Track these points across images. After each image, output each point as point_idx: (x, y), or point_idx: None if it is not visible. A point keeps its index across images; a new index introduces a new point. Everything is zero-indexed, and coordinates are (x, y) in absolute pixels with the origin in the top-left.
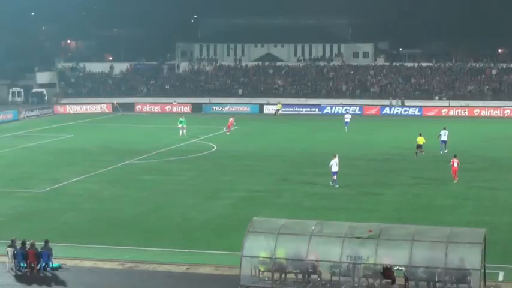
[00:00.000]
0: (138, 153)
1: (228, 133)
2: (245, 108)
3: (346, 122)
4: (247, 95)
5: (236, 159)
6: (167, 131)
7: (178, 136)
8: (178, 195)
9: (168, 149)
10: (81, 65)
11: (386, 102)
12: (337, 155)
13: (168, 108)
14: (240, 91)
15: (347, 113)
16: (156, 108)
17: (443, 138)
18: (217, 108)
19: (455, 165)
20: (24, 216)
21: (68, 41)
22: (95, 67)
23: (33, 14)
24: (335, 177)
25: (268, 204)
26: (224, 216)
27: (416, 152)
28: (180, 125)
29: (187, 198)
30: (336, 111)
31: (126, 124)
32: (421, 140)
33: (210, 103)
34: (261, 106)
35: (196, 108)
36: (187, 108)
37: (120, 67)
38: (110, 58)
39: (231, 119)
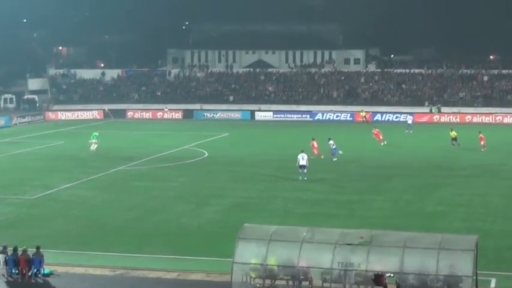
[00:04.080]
0: (130, 160)
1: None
2: (236, 115)
3: (409, 124)
4: (239, 102)
5: (227, 165)
6: (158, 138)
7: (156, 144)
8: (170, 201)
9: (160, 156)
10: (73, 71)
11: (378, 108)
12: (303, 151)
13: (159, 114)
14: (231, 97)
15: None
16: (148, 115)
17: None
18: (208, 114)
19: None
20: (15, 223)
21: (60, 48)
22: (87, 74)
23: (24, 20)
24: (303, 170)
25: (260, 210)
26: (215, 222)
27: (453, 144)
28: (93, 140)
29: (178, 204)
30: (327, 118)
31: (117, 130)
32: (453, 134)
33: (201, 109)
34: (252, 112)
35: (188, 114)
36: (178, 115)
37: (112, 74)
38: (102, 65)
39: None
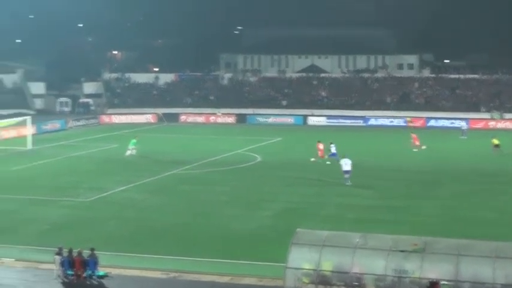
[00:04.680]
0: (182, 164)
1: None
2: (289, 120)
3: (463, 130)
4: (291, 106)
5: (280, 170)
6: (211, 142)
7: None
8: (221, 205)
9: (212, 160)
10: (127, 75)
11: (432, 114)
12: (346, 156)
13: (212, 118)
14: (284, 102)
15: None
16: (201, 119)
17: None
18: (261, 119)
19: None
20: (70, 225)
21: (114, 52)
22: (140, 78)
23: (80, 25)
24: (347, 175)
25: (311, 215)
26: (267, 227)
27: (495, 150)
28: (130, 147)
29: (229, 208)
30: (380, 123)
31: (170, 134)
32: (495, 141)
33: (254, 114)
34: (305, 117)
35: (241, 119)
36: (231, 119)
37: (165, 78)
38: (155, 69)
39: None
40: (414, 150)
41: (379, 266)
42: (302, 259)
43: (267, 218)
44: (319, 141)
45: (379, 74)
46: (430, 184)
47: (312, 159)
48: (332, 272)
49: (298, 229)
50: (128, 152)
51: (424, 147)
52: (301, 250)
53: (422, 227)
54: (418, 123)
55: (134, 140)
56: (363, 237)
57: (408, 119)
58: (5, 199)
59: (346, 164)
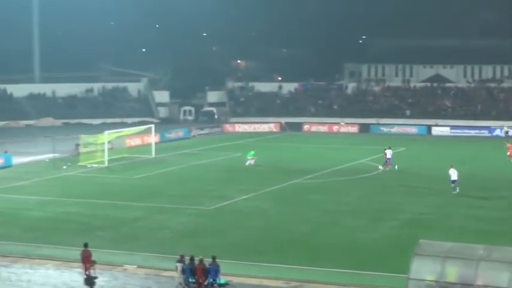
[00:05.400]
0: (305, 173)
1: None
2: (413, 130)
3: None
4: (415, 116)
5: (403, 180)
6: (334, 151)
7: (332, 157)
8: (344, 215)
9: (335, 169)
10: (250, 84)
11: None
12: (453, 166)
13: (335, 128)
14: (408, 112)
15: None
16: (324, 128)
17: None
18: (384, 129)
19: None
20: (193, 232)
21: (238, 61)
22: (264, 87)
23: (204, 34)
24: (453, 184)
25: (435, 226)
26: (389, 237)
27: None
28: (249, 157)
29: (352, 218)
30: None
31: (293, 144)
32: None
33: (377, 124)
34: (429, 127)
35: (364, 128)
36: (354, 129)
37: (289, 87)
38: (279, 78)
39: None
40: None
41: (504, 278)
42: (425, 270)
43: (391, 228)
44: (387, 148)
45: (506, 84)
46: None
47: (380, 167)
48: (455, 283)
49: (421, 240)
50: (248, 162)
51: None
52: (424, 261)
53: None
54: None
55: (252, 152)
56: (487, 249)
57: (505, 128)
58: (129, 206)
59: (453, 174)
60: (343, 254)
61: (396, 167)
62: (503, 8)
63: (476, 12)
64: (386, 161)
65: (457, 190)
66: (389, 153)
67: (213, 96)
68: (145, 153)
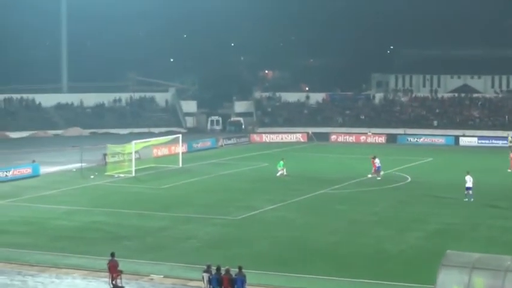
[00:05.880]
0: (332, 183)
1: None
2: (440, 140)
3: None
4: (443, 127)
5: (430, 190)
6: (361, 162)
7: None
8: (371, 225)
9: (362, 180)
10: (278, 94)
11: None
12: (469, 173)
13: (362, 138)
14: (435, 122)
15: None
16: (351, 139)
17: None
18: (412, 139)
19: None
20: (219, 242)
21: (266, 71)
22: (291, 97)
23: (232, 44)
24: (469, 192)
25: (462, 237)
26: (416, 248)
27: None
28: (279, 168)
29: (379, 229)
30: None
31: (320, 154)
32: None
33: (404, 134)
34: (457, 138)
35: (391, 138)
36: (381, 139)
37: (316, 97)
38: (306, 88)
39: None
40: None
41: None
42: (451, 281)
43: (418, 239)
44: (374, 157)
45: None
46: None
47: (369, 175)
48: None
49: (448, 250)
50: (279, 173)
51: None
52: (451, 272)
53: None
54: None
55: (282, 162)
56: None
57: (510, 137)
58: (155, 216)
59: (469, 181)
60: (370, 265)
61: (381, 173)
62: None
63: (503, 22)
64: (376, 169)
65: (472, 199)
66: (377, 161)
67: (240, 106)
68: (172, 163)
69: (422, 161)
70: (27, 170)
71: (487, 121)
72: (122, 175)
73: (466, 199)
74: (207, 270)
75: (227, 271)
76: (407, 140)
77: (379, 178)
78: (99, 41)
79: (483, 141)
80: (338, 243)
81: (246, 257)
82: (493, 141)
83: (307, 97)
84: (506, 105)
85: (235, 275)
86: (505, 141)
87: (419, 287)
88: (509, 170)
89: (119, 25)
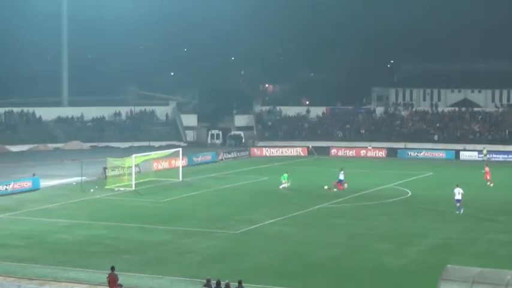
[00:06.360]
0: (332, 197)
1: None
2: (441, 154)
3: None
4: (443, 141)
5: (430, 205)
6: (361, 176)
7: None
8: (371, 240)
9: (362, 194)
10: (278, 108)
11: None
12: (459, 185)
13: (362, 152)
14: (436, 136)
15: None
16: (351, 153)
17: None
18: (412, 153)
19: None
20: (220, 256)
21: (266, 85)
22: (291, 111)
23: (232, 58)
24: (458, 204)
25: (462, 251)
26: (417, 262)
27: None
28: (283, 181)
29: (379, 243)
30: None
31: (320, 168)
32: None
33: (405, 148)
34: (457, 152)
35: (391, 153)
36: (382, 153)
37: (316, 111)
38: (307, 102)
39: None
40: (491, 185)
41: None
42: None
43: (418, 253)
44: (341, 169)
45: None
46: None
47: (326, 187)
48: None
49: (448, 265)
50: (282, 186)
51: (492, 184)
52: (451, 286)
53: None
54: None
55: (285, 175)
56: None
57: (484, 151)
58: (156, 230)
59: (458, 193)
60: (370, 279)
61: (345, 186)
62: None
63: (504, 36)
64: (339, 182)
65: (461, 211)
66: (341, 174)
67: (240, 120)
68: (172, 177)
69: (422, 175)
70: (27, 184)
71: (488, 135)
72: (122, 189)
73: (457, 211)
74: (207, 284)
75: (227, 285)
76: (408, 154)
77: (335, 189)
78: (100, 55)
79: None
80: (338, 257)
81: (246, 271)
82: (494, 155)
83: (308, 111)
84: (507, 120)
85: None
86: (505, 155)
87: None
88: (489, 184)
89: (120, 39)
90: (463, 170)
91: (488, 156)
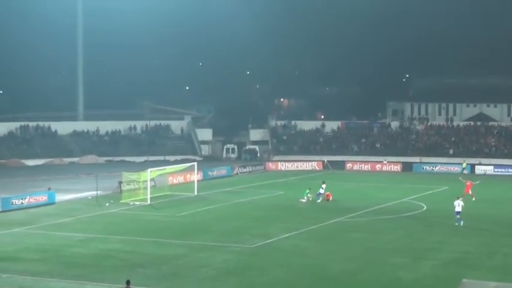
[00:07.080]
0: (348, 211)
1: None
2: (456, 168)
3: None
4: (459, 155)
5: (446, 219)
6: (377, 190)
7: (375, 196)
8: (386, 254)
9: (378, 208)
10: (293, 122)
11: None
12: (459, 198)
13: (378, 166)
14: (451, 151)
15: None
16: (367, 167)
17: None
18: (427, 167)
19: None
20: (234, 271)
21: (281, 99)
22: (307, 125)
23: (248, 72)
24: (458, 216)
25: (478, 266)
26: (432, 277)
27: None
28: (305, 197)
29: (395, 257)
30: None
31: (336, 182)
32: None
33: (420, 162)
34: (472, 166)
35: (406, 167)
36: (397, 167)
37: (331, 125)
38: (322, 116)
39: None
40: (473, 199)
41: None
42: None
43: (433, 268)
44: (323, 182)
45: None
46: None
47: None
48: None
49: (463, 279)
50: (303, 200)
51: (474, 198)
52: None
53: None
54: None
55: (307, 191)
56: None
57: (464, 165)
58: (171, 244)
59: (458, 205)
60: None
61: (319, 200)
62: None
63: None
64: (318, 194)
65: (461, 223)
66: (323, 187)
67: (255, 134)
68: (187, 191)
69: (438, 189)
70: (42, 198)
71: (503, 149)
72: (137, 203)
73: (457, 223)
74: None
75: None
76: (423, 168)
77: (304, 201)
78: (115, 69)
79: (499, 170)
80: (353, 271)
81: (261, 285)
82: (509, 169)
83: (323, 125)
84: None
85: None
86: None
87: None
88: (473, 198)
89: (135, 53)
90: (479, 184)
91: (466, 172)
